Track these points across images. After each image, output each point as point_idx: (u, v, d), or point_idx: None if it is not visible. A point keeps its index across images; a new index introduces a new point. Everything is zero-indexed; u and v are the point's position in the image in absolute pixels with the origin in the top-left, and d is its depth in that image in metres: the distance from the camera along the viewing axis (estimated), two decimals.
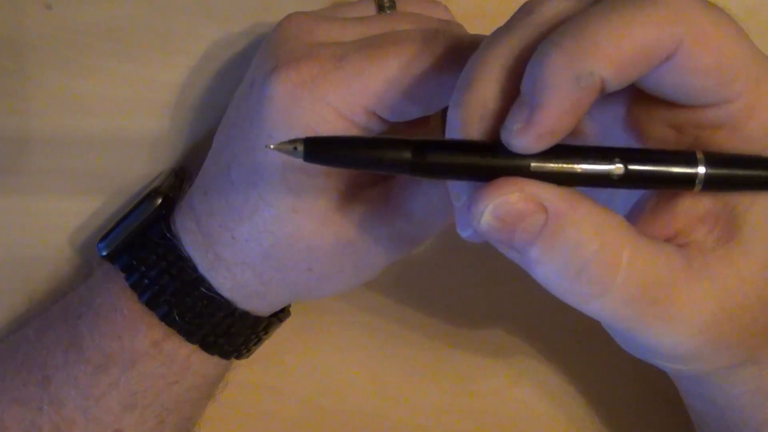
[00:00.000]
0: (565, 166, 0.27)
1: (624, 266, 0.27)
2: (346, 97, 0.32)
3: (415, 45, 0.32)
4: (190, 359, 0.36)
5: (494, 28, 0.29)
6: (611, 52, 0.25)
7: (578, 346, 0.44)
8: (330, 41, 0.33)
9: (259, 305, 0.37)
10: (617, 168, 0.27)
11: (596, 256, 0.26)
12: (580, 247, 0.26)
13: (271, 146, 0.27)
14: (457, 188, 0.29)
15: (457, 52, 0.32)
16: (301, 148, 0.27)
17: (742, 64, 0.27)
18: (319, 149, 0.27)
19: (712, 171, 0.27)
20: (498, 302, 0.44)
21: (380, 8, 0.37)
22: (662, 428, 0.44)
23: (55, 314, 0.38)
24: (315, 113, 0.32)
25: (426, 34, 0.32)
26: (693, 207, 0.29)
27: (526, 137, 0.26)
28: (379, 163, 0.27)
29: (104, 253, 0.38)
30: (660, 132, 0.29)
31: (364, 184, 0.35)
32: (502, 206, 0.26)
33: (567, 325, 0.44)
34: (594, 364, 0.44)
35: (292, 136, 0.32)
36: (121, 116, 0.41)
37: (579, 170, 0.27)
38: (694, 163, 0.27)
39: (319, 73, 0.32)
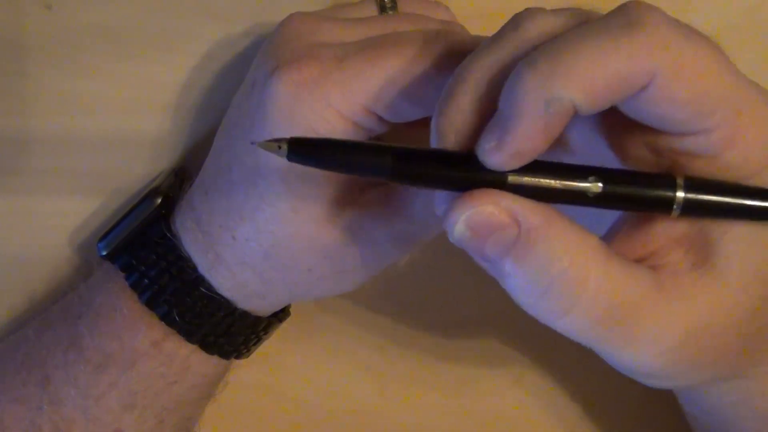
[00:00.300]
0: (542, 181, 0.27)
1: (591, 286, 0.27)
2: (347, 98, 0.32)
3: (417, 46, 0.32)
4: (189, 359, 0.36)
5: (495, 30, 0.29)
6: (583, 79, 0.25)
7: (575, 348, 0.43)
8: (331, 42, 0.33)
9: (259, 305, 0.37)
10: (594, 186, 0.27)
11: (564, 274, 0.27)
12: (549, 264, 0.27)
13: (256, 144, 0.27)
14: (439, 196, 0.29)
15: (458, 54, 0.31)
16: (284, 147, 0.27)
17: (722, 96, 0.26)
18: (301, 150, 0.27)
19: (691, 196, 0.27)
20: (495, 304, 0.44)
21: (382, 9, 0.37)
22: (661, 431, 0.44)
23: (55, 314, 0.38)
24: (316, 113, 0.32)
25: (427, 35, 0.32)
26: (669, 229, 0.29)
27: (498, 156, 0.26)
28: (361, 167, 0.27)
29: (104, 253, 0.38)
30: (639, 153, 0.29)
31: (364, 186, 0.35)
32: (475, 217, 0.27)
33: None
34: (591, 366, 0.44)
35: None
36: (121, 116, 0.41)
37: (556, 185, 0.27)
38: (673, 188, 0.27)
39: (321, 73, 0.32)
